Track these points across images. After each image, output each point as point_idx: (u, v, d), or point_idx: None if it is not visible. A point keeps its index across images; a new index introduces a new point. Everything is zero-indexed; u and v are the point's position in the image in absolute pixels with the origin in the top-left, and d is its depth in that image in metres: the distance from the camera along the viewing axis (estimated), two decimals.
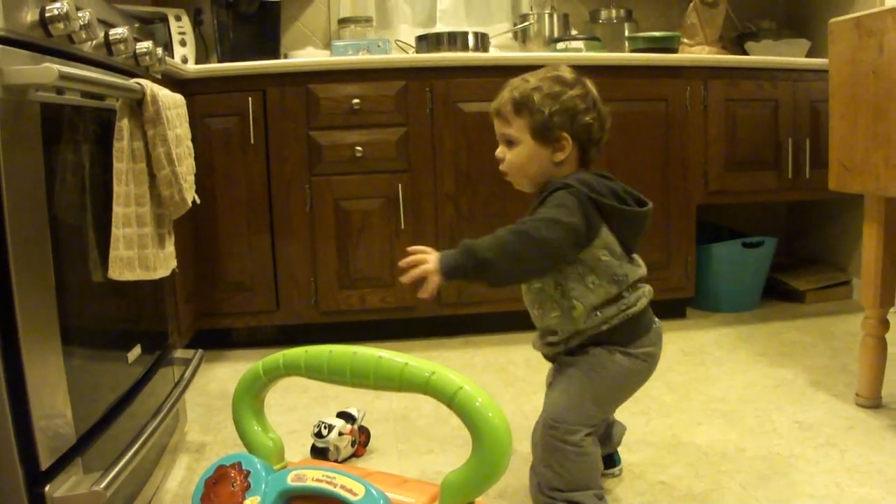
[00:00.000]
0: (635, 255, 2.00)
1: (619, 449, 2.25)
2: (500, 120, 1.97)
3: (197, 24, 3.99)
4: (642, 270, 2.00)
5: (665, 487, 2.16)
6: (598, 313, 1.90)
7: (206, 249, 3.45)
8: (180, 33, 3.75)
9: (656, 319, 2.05)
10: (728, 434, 2.51)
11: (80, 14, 1.68)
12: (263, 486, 1.13)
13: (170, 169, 2.06)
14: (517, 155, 1.94)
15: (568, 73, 1.96)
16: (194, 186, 2.40)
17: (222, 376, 3.23)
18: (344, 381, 1.13)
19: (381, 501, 1.05)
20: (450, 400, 1.03)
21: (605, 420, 2.14)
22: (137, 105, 1.98)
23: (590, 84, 1.97)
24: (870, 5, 3.79)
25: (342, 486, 1.07)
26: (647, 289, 2.01)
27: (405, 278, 1.79)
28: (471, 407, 1.02)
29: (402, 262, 1.80)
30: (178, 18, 3.77)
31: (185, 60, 3.71)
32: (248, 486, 1.14)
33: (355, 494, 1.05)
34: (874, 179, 2.47)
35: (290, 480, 1.12)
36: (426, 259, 1.78)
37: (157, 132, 2.02)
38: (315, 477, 1.10)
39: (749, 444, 2.43)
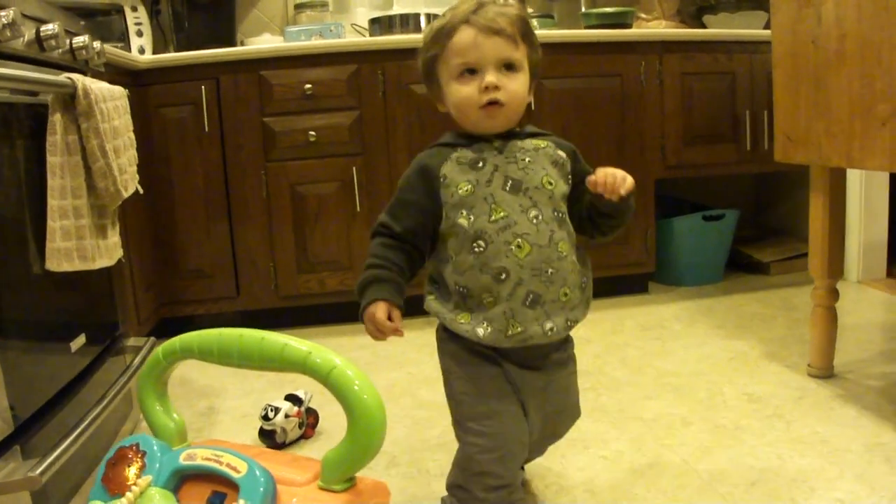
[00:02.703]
0: None
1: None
2: (503, 39, 1.58)
3: (154, 13, 3.98)
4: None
5: (606, 462, 2.17)
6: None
7: (165, 238, 3.46)
8: (136, 24, 3.75)
9: None
10: (677, 408, 2.53)
11: (2, 13, 1.68)
12: (157, 465, 1.15)
13: (104, 161, 2.07)
14: (522, 83, 1.63)
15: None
16: (137, 177, 2.41)
17: (182, 364, 3.23)
18: (232, 363, 1.14)
19: (262, 478, 1.07)
20: (325, 378, 1.04)
21: None
22: (70, 99, 1.99)
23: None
24: None
25: (227, 464, 1.09)
26: None
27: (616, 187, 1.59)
28: (344, 385, 1.04)
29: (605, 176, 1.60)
30: (133, 9, 3.77)
31: (142, 51, 3.72)
32: (144, 466, 1.15)
33: (238, 472, 1.07)
34: (816, 150, 2.48)
35: (182, 460, 1.13)
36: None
37: (90, 125, 2.02)
38: (204, 456, 1.12)
39: (696, 417, 2.45)
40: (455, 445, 1.72)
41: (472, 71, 1.60)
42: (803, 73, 2.51)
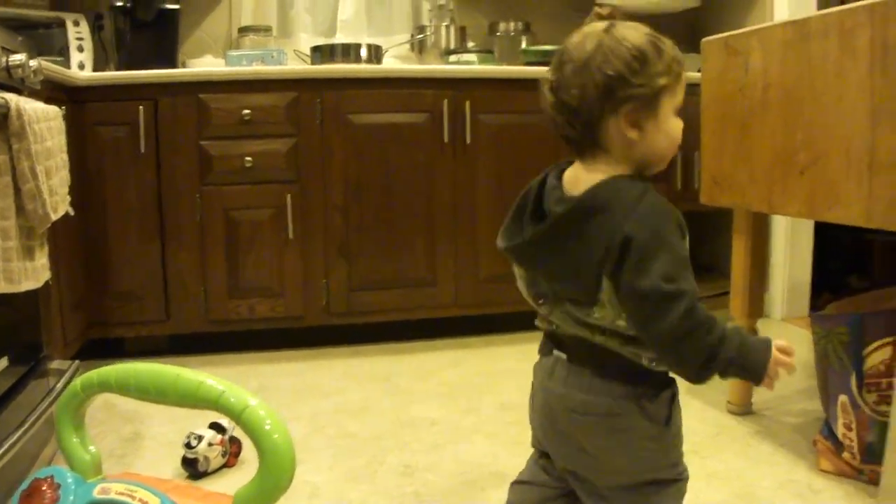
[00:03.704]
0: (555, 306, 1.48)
1: None
2: None
3: (97, 29, 3.96)
4: (541, 310, 1.51)
5: None
6: None
7: (96, 258, 3.43)
8: (78, 39, 3.73)
9: (556, 351, 1.53)
10: None
11: None
12: (71, 498, 1.16)
13: (34, 183, 2.07)
14: None
15: (585, 27, 1.50)
16: (68, 199, 2.40)
17: None
18: (149, 398, 1.16)
19: None
20: (237, 417, 1.06)
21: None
22: (2, 119, 1.98)
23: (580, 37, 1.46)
24: (762, 23, 3.89)
25: (140, 499, 1.10)
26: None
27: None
28: (256, 425, 1.05)
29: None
30: (76, 24, 3.75)
31: (82, 66, 3.70)
32: (57, 499, 1.16)
33: None
34: (740, 194, 2.55)
35: (96, 493, 1.15)
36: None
37: (21, 146, 2.02)
38: (118, 490, 1.13)
39: None
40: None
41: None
42: (730, 119, 2.58)
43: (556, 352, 1.51)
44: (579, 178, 1.44)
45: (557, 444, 1.55)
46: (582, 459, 1.51)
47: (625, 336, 1.41)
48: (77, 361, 2.54)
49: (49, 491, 1.18)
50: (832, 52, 2.09)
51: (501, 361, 3.43)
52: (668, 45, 1.45)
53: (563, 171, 1.48)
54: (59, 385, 2.34)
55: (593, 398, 1.45)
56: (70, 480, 1.18)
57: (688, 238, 1.46)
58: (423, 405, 2.93)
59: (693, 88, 3.73)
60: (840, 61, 2.06)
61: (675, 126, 1.49)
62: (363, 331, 3.71)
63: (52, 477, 1.19)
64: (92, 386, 1.23)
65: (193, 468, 2.33)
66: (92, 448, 1.28)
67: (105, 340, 3.51)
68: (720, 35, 2.64)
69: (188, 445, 2.34)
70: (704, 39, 2.72)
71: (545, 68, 3.70)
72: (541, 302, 1.49)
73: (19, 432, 1.95)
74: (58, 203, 2.25)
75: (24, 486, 1.19)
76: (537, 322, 1.56)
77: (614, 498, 1.50)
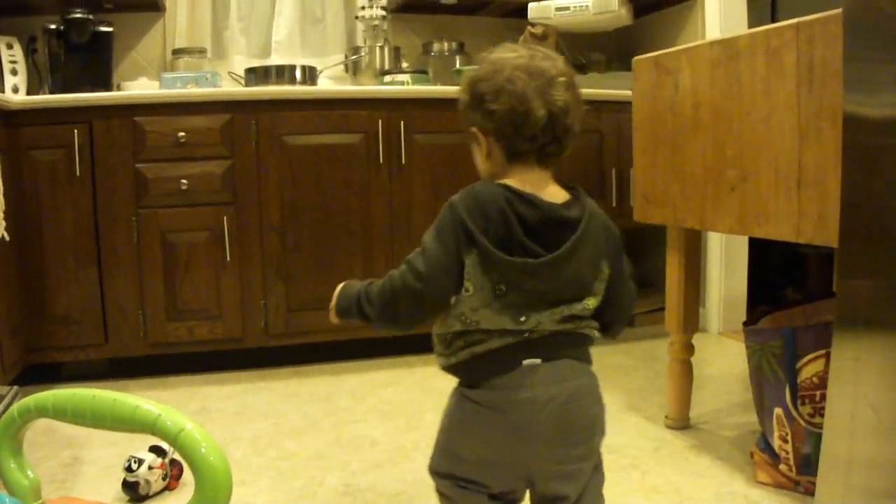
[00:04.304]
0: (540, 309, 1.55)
1: None
2: None
3: (31, 52, 3.94)
4: (524, 326, 1.53)
5: None
6: (451, 341, 1.60)
7: (32, 282, 3.40)
8: (11, 62, 3.72)
9: (527, 361, 1.54)
10: None
11: None
12: None
13: None
14: (477, 157, 1.64)
15: (498, 51, 1.61)
16: (3, 223, 2.40)
17: None
18: (86, 423, 1.16)
19: None
20: (173, 440, 1.07)
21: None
22: None
23: (519, 60, 1.56)
24: (692, 42, 3.94)
25: None
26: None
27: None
28: (192, 447, 1.06)
29: None
30: (9, 46, 3.73)
31: (15, 90, 3.68)
32: None
33: None
34: (672, 211, 2.59)
35: None
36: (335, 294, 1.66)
37: None
38: None
39: None
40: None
41: None
42: (661, 137, 2.62)
43: (525, 362, 1.53)
44: (546, 187, 1.60)
45: (540, 454, 1.56)
46: (577, 450, 1.60)
47: (593, 317, 1.61)
48: (16, 387, 2.51)
49: None
50: (760, 70, 2.13)
51: (440, 379, 3.40)
52: None
53: (509, 186, 1.54)
54: None
55: (585, 379, 1.61)
56: None
57: None
58: (364, 424, 2.94)
59: (625, 106, 3.83)
60: (767, 79, 2.10)
61: None
62: (302, 351, 3.71)
63: None
64: (29, 412, 1.23)
65: (134, 492, 2.32)
66: (30, 473, 1.28)
67: (43, 365, 3.48)
68: (651, 54, 2.68)
69: (128, 469, 2.33)
70: (636, 58, 2.76)
71: None
72: (523, 319, 1.52)
73: None
74: None
75: None
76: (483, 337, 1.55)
77: (589, 482, 1.66)
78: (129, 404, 1.12)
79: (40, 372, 3.44)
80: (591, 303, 1.58)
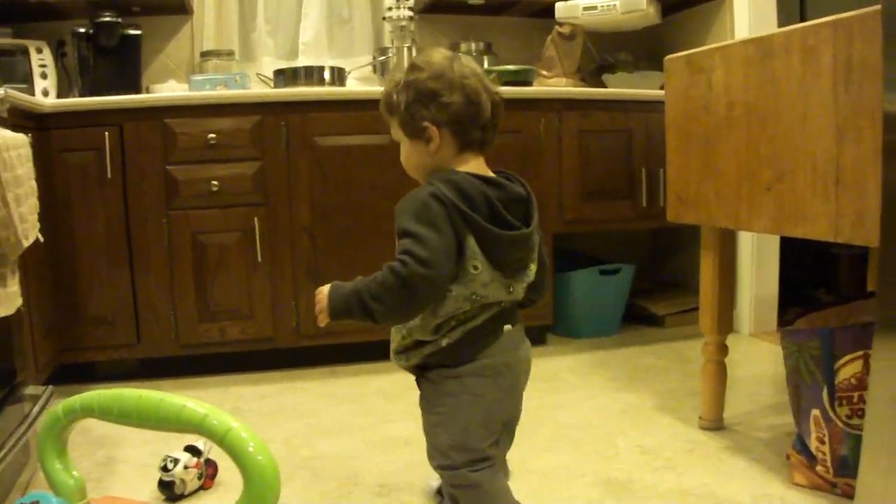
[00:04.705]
0: (517, 279, 1.79)
1: None
2: (386, 121, 1.88)
3: (60, 56, 3.96)
4: (511, 296, 1.78)
5: None
6: (442, 324, 1.74)
7: (65, 283, 3.42)
8: (41, 66, 3.73)
9: (506, 326, 1.80)
10: (571, 460, 2.58)
11: None
12: None
13: (5, 211, 2.07)
14: (403, 154, 1.86)
15: (432, 55, 1.80)
16: (38, 225, 2.41)
17: None
18: (131, 423, 1.16)
19: None
20: (221, 440, 1.07)
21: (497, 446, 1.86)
22: None
23: (456, 62, 1.77)
24: (721, 41, 3.93)
25: None
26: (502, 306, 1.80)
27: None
28: (239, 447, 1.07)
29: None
30: (39, 51, 3.75)
31: (45, 93, 3.70)
32: None
33: None
34: (706, 211, 2.57)
35: None
36: (321, 299, 1.76)
37: None
38: None
39: (589, 469, 2.50)
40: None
41: None
42: (694, 136, 2.61)
43: (505, 328, 1.80)
44: (488, 171, 1.83)
45: (517, 404, 1.90)
46: (520, 404, 1.92)
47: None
48: (51, 387, 2.53)
49: None
50: (795, 69, 2.11)
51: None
52: None
53: (471, 172, 1.76)
54: (35, 410, 2.33)
55: (528, 343, 1.92)
56: None
57: None
58: (397, 425, 2.94)
59: (653, 105, 3.82)
60: (803, 78, 2.09)
61: None
62: (334, 352, 3.71)
63: (37, 502, 1.20)
64: (74, 412, 1.23)
65: (170, 491, 2.33)
66: (75, 473, 1.28)
67: (76, 365, 3.50)
68: (683, 53, 2.66)
69: (164, 468, 2.34)
70: (667, 57, 2.75)
71: (509, 88, 3.75)
72: (511, 290, 1.78)
73: None
74: (28, 230, 2.25)
75: None
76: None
77: None
78: (175, 404, 1.12)
79: (72, 372, 3.46)
80: (533, 268, 1.84)
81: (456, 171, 1.74)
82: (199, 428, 1.09)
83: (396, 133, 1.85)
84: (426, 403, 1.84)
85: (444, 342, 1.74)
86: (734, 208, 2.42)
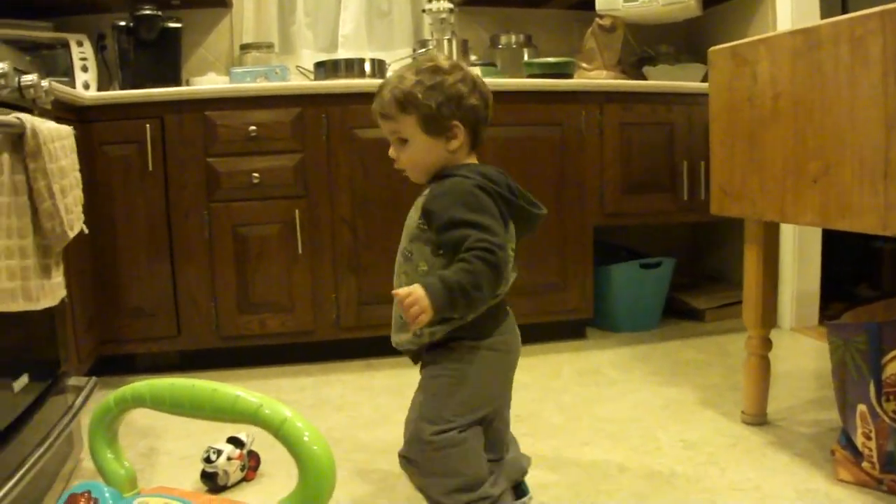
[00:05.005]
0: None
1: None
2: (387, 121, 1.91)
3: (100, 49, 3.98)
4: (514, 274, 1.95)
5: None
6: None
7: (106, 276, 3.45)
8: (82, 59, 3.75)
9: (508, 308, 2.01)
10: (612, 454, 2.56)
11: None
12: None
13: (51, 202, 2.07)
14: (412, 152, 1.90)
15: (443, 61, 1.91)
16: (82, 217, 2.41)
17: None
18: (184, 413, 1.16)
19: None
20: (276, 430, 1.07)
21: (493, 419, 1.98)
22: (18, 139, 1.99)
23: (466, 67, 1.93)
24: (763, 33, 3.90)
25: None
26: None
27: (409, 321, 1.70)
28: (295, 437, 1.06)
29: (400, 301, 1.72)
30: (79, 44, 3.76)
31: (86, 86, 3.71)
32: None
33: None
34: (751, 204, 2.54)
35: None
36: (417, 300, 1.68)
37: (37, 166, 2.03)
38: None
39: (632, 463, 2.48)
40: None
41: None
42: (739, 129, 2.58)
43: (508, 309, 2.00)
44: None
45: (510, 385, 2.05)
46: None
47: None
48: (94, 378, 2.54)
49: None
50: (843, 60, 2.09)
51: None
52: None
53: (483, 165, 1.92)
54: (79, 401, 2.34)
55: None
56: (107, 495, 1.19)
57: None
58: None
59: (695, 98, 3.79)
60: (852, 69, 2.06)
61: None
62: (373, 344, 3.69)
63: (88, 492, 1.20)
64: (125, 401, 1.23)
65: (213, 482, 2.34)
66: (126, 462, 1.28)
67: (117, 357, 3.52)
68: (728, 44, 2.63)
69: (207, 460, 2.34)
70: (712, 49, 2.72)
71: (549, 81, 3.74)
72: (514, 274, 1.95)
73: (41, 449, 1.95)
74: (73, 221, 2.26)
75: (61, 501, 1.20)
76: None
77: None
78: (229, 394, 1.12)
79: (112, 364, 3.48)
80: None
81: (476, 164, 1.92)
82: (253, 418, 1.08)
83: (409, 130, 1.88)
84: (436, 370, 1.92)
85: (471, 317, 1.84)
86: (779, 201, 2.40)
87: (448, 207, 1.78)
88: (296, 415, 1.07)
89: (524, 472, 2.11)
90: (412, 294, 1.67)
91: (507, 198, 1.84)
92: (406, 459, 1.93)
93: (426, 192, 1.88)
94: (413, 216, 1.89)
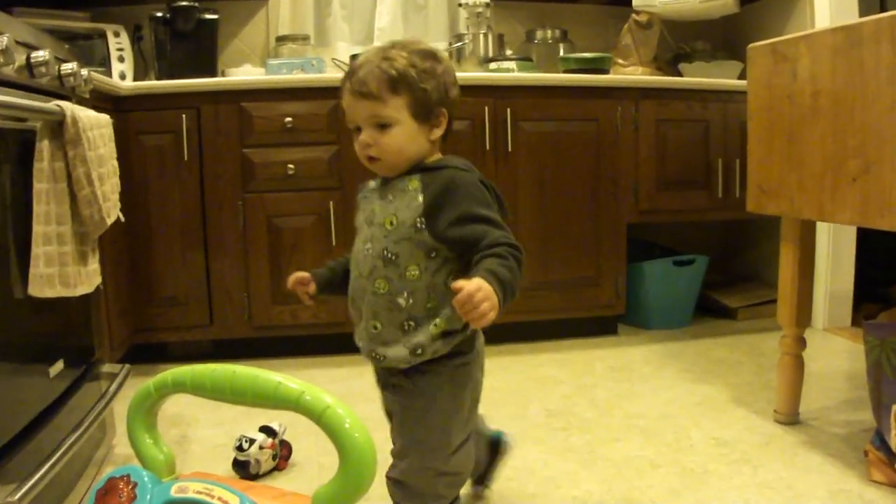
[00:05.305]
0: None
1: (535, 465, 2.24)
2: (369, 101, 1.67)
3: (137, 40, 4.00)
4: None
5: (577, 501, 2.20)
6: None
7: (140, 265, 3.47)
8: (118, 49, 3.77)
9: None
10: (645, 450, 2.56)
11: None
12: (149, 496, 1.16)
13: (89, 189, 2.09)
14: (396, 137, 1.70)
15: (429, 47, 1.78)
16: (119, 205, 2.42)
17: None
18: (225, 398, 1.17)
19: None
20: (318, 417, 1.07)
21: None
22: (58, 126, 2.00)
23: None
24: (800, 30, 3.87)
25: (219, 498, 1.11)
26: None
27: (472, 320, 1.50)
28: (337, 425, 1.06)
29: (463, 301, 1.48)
30: (116, 35, 3.79)
31: (123, 76, 3.73)
32: (135, 497, 1.17)
33: None
34: (789, 202, 2.53)
35: (174, 492, 1.15)
36: (488, 295, 1.48)
37: (77, 153, 2.04)
38: (196, 489, 1.14)
39: (664, 459, 2.48)
40: None
41: (358, 128, 1.73)
42: (777, 126, 2.56)
43: None
44: None
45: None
46: None
47: None
48: (128, 365, 2.56)
49: (126, 489, 1.19)
50: (885, 57, 2.07)
51: (545, 368, 3.45)
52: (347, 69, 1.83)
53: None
54: (112, 388, 2.35)
55: None
56: (146, 479, 1.19)
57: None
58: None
59: (731, 95, 3.78)
60: (893, 67, 2.05)
61: (354, 145, 1.78)
62: None
63: (128, 475, 1.21)
64: (166, 386, 1.24)
65: (245, 471, 2.36)
66: (165, 448, 1.29)
67: (149, 345, 3.54)
68: (767, 41, 2.62)
69: (239, 448, 2.36)
70: (751, 45, 2.71)
71: (585, 76, 3.72)
72: None
73: (76, 434, 1.96)
74: (110, 209, 2.27)
75: (100, 484, 1.21)
76: None
77: None
78: (271, 381, 1.12)
79: (146, 351, 3.50)
80: None
81: (458, 157, 1.79)
82: (294, 404, 1.09)
83: (397, 113, 1.69)
84: (434, 399, 1.74)
85: (469, 329, 1.72)
86: (818, 199, 2.38)
87: (460, 202, 1.65)
88: (337, 402, 1.07)
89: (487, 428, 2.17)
90: (482, 288, 1.48)
91: (498, 195, 1.75)
92: (399, 484, 1.78)
93: (410, 186, 1.70)
94: (401, 214, 1.68)
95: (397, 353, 1.70)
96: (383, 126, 1.68)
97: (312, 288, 2.03)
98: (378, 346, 1.74)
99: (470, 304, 1.46)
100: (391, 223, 1.68)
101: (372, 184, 1.84)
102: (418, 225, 1.66)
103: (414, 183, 1.70)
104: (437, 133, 1.76)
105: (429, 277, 1.67)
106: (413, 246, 1.67)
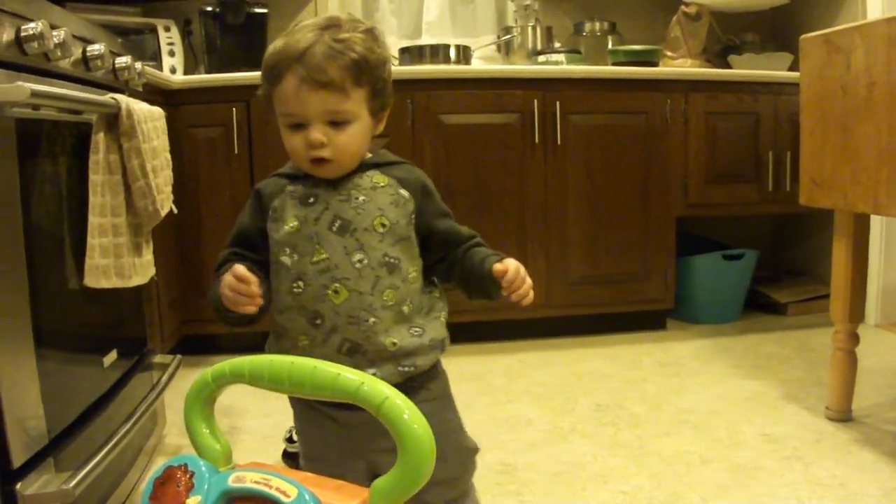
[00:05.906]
0: None
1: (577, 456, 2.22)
2: (327, 92, 1.41)
3: (187, 34, 4.04)
4: None
5: (626, 497, 2.19)
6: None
7: (190, 257, 3.49)
8: (169, 44, 3.80)
9: None
10: (695, 445, 2.55)
11: (54, 33, 1.72)
12: (206, 486, 1.17)
13: (144, 181, 2.10)
14: (354, 136, 1.45)
15: (369, 24, 1.52)
16: (171, 197, 2.44)
17: None
18: (283, 389, 1.17)
19: (312, 503, 1.09)
20: (377, 408, 1.07)
21: None
22: (113, 119, 2.02)
23: None
24: (852, 20, 3.84)
25: (277, 488, 1.11)
26: None
27: (522, 297, 1.42)
28: (396, 416, 1.06)
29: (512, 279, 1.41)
30: (166, 29, 3.82)
31: (173, 70, 3.76)
32: (192, 486, 1.17)
33: (288, 496, 1.09)
34: (842, 195, 2.50)
35: (231, 482, 1.15)
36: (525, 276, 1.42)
37: (131, 145, 2.06)
38: (254, 479, 1.14)
39: (714, 455, 2.47)
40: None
41: (299, 124, 1.47)
42: (831, 118, 2.54)
43: None
44: None
45: None
46: None
47: None
48: (179, 356, 2.58)
49: (184, 478, 1.19)
50: None
51: (591, 363, 3.44)
52: (279, 47, 1.52)
53: None
54: (164, 379, 2.38)
55: None
56: (204, 469, 1.20)
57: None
58: (519, 404, 2.94)
59: (781, 87, 3.74)
60: None
61: (285, 138, 1.54)
62: (453, 330, 3.70)
63: (185, 465, 1.21)
64: (224, 376, 1.24)
65: (294, 462, 2.36)
66: (222, 438, 1.29)
67: (198, 337, 3.57)
68: (820, 32, 2.59)
69: (290, 440, 2.37)
70: (803, 37, 2.68)
71: (634, 68, 3.70)
72: None
73: (128, 424, 1.98)
74: (164, 201, 2.29)
75: (158, 472, 1.21)
76: None
77: None
78: (330, 372, 1.12)
79: (196, 343, 3.53)
80: None
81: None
82: (353, 396, 1.08)
83: (352, 106, 1.44)
84: (445, 401, 1.67)
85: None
86: (872, 192, 2.35)
87: (435, 196, 1.55)
88: (396, 393, 1.07)
89: None
90: (520, 266, 1.41)
91: None
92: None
93: (378, 181, 1.50)
94: (390, 214, 1.48)
95: (385, 370, 1.49)
96: (340, 123, 1.44)
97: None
98: (402, 358, 1.49)
99: (520, 279, 1.40)
100: (383, 226, 1.47)
101: (295, 186, 1.56)
102: (411, 223, 1.51)
103: (380, 178, 1.51)
104: (380, 128, 1.54)
105: (421, 278, 1.54)
106: (410, 246, 1.51)
